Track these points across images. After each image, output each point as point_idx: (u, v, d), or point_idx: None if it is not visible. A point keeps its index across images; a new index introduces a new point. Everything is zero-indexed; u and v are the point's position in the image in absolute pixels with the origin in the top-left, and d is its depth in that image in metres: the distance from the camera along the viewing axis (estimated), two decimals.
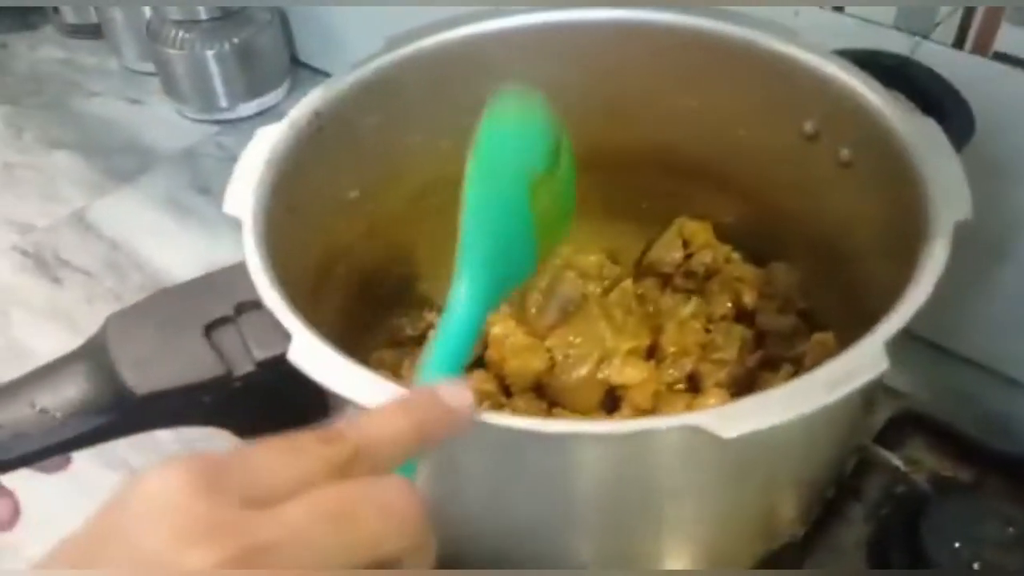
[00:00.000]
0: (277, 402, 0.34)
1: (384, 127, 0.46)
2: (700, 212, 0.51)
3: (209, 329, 0.33)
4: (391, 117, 0.46)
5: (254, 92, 0.80)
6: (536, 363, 0.44)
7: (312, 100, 0.42)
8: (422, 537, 0.24)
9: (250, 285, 0.34)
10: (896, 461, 0.47)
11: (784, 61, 0.43)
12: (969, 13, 0.47)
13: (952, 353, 0.56)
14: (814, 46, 0.43)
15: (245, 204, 0.36)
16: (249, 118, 0.81)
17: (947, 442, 0.50)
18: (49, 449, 0.31)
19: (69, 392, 0.31)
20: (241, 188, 0.37)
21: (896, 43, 0.49)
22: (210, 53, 0.77)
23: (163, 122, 0.81)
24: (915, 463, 0.48)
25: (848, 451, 0.42)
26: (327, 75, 0.82)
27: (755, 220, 0.49)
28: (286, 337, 0.32)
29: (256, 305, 0.34)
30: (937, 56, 0.48)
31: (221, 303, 0.34)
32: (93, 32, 0.89)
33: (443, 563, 0.36)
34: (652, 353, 0.46)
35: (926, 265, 0.32)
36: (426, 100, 0.47)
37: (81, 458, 0.52)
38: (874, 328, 0.31)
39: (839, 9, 0.51)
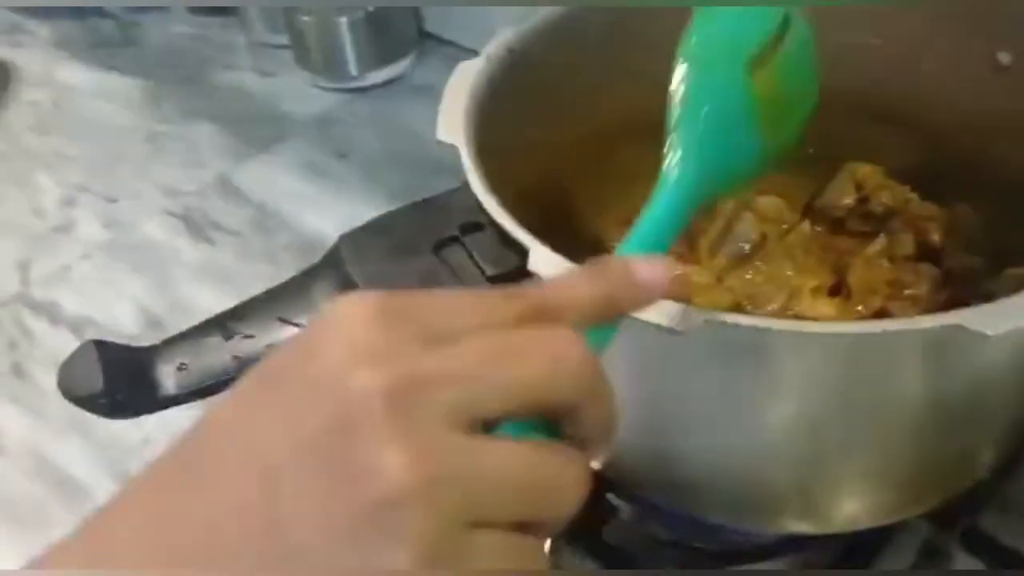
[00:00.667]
0: None
1: (565, 69, 0.46)
2: (873, 156, 0.50)
3: (438, 248, 0.34)
4: (573, 57, 0.46)
5: (384, 61, 0.82)
6: (722, 300, 0.44)
7: (506, 37, 0.42)
8: (598, 386, 0.24)
9: (468, 208, 0.34)
10: None
11: None
12: None
13: None
14: None
15: (457, 132, 0.37)
16: (379, 86, 0.82)
17: None
18: None
19: (311, 303, 0.32)
20: (451, 118, 0.37)
21: None
22: (343, 21, 0.78)
23: (296, 92, 0.82)
24: None
25: None
26: (453, 45, 0.84)
27: (934, 161, 0.49)
28: (512, 255, 0.33)
29: (478, 227, 0.34)
30: None
31: (446, 225, 0.34)
32: (221, 10, 0.91)
33: (664, 481, 0.36)
34: (837, 292, 0.45)
35: None
36: (606, 44, 0.47)
37: None
38: None
39: None
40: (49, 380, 0.58)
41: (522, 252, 0.32)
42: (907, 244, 0.46)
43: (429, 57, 0.84)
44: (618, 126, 0.49)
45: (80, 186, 0.75)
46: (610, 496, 0.44)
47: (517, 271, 0.32)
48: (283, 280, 0.34)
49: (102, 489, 0.54)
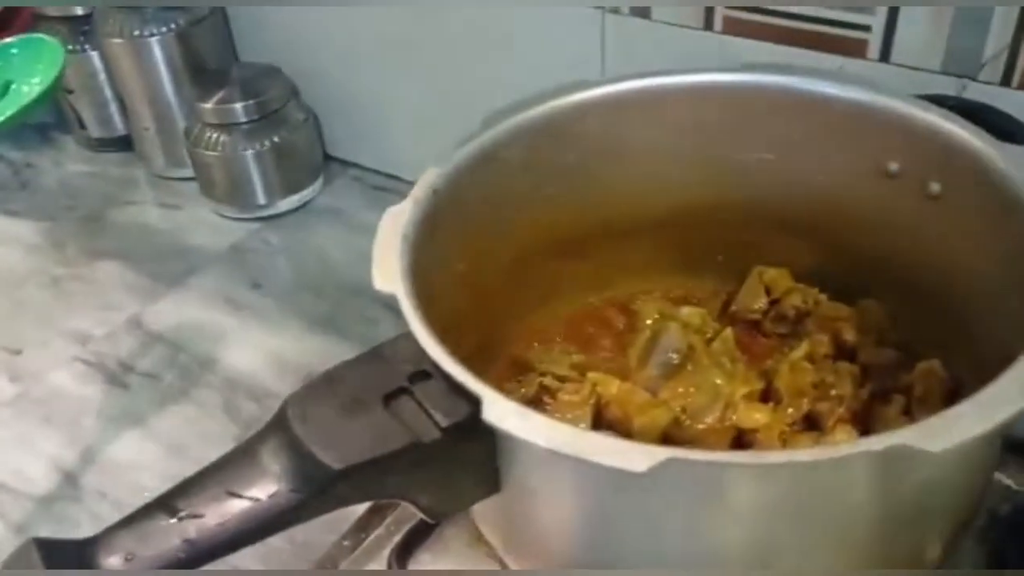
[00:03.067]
0: (450, 473, 0.35)
1: (482, 202, 0.47)
2: (777, 260, 0.53)
3: (387, 401, 0.34)
4: (488, 192, 0.47)
5: (292, 188, 0.82)
6: (662, 417, 0.45)
7: (430, 177, 0.43)
8: None
9: (417, 355, 0.35)
10: (1007, 480, 0.48)
11: (861, 106, 0.46)
12: (1015, 50, 0.50)
13: None
14: (889, 88, 0.46)
15: (395, 279, 0.37)
16: (288, 213, 0.82)
17: None
18: (250, 534, 0.31)
19: (264, 475, 0.32)
20: (385, 265, 0.38)
21: (944, 87, 0.53)
22: (249, 154, 0.79)
23: (203, 223, 0.82)
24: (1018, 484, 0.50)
25: (992, 473, 0.43)
26: (357, 167, 0.85)
27: (836, 262, 0.52)
28: (463, 402, 0.33)
29: (425, 375, 0.35)
30: (986, 96, 0.51)
31: (394, 375, 0.34)
32: (118, 144, 0.90)
33: None
34: (764, 398, 0.47)
35: None
36: (517, 174, 0.48)
37: None
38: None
39: (884, 59, 0.55)
40: None
41: (474, 400, 0.33)
42: (824, 344, 0.49)
43: (335, 179, 0.85)
44: (535, 247, 0.51)
45: None
46: None
47: (471, 419, 0.32)
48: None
49: None
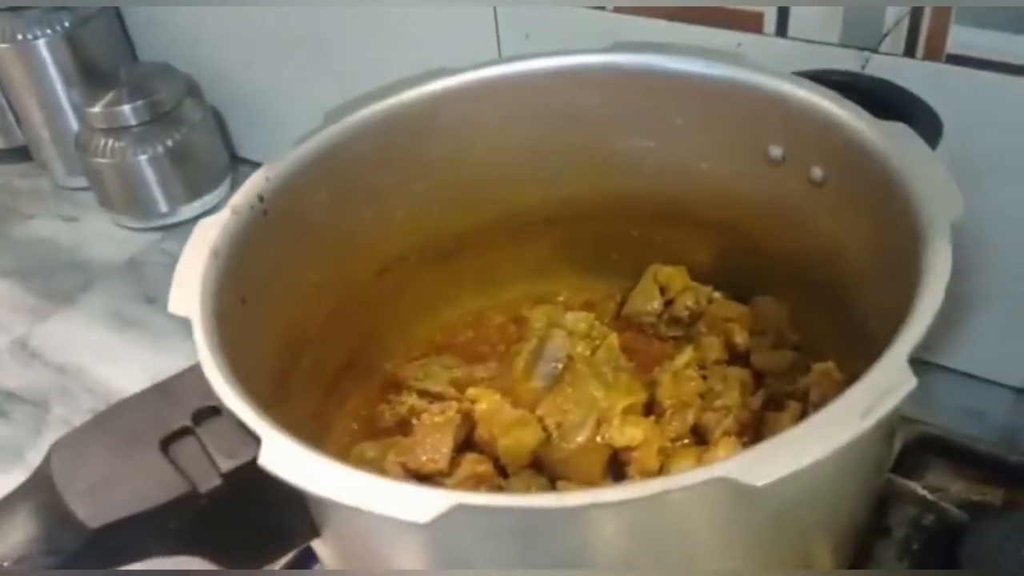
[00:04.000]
0: (252, 519, 0.31)
1: (333, 204, 0.43)
2: (673, 256, 0.49)
3: (166, 444, 0.29)
4: (339, 193, 0.43)
5: (195, 193, 0.78)
6: (530, 437, 0.41)
7: (253, 184, 0.39)
8: None
9: (207, 390, 0.31)
10: (921, 490, 0.44)
11: (737, 86, 0.42)
12: (916, 19, 0.46)
13: (952, 370, 0.54)
14: (766, 68, 0.42)
15: (192, 302, 0.33)
16: (192, 220, 0.77)
17: (968, 464, 0.48)
18: None
19: (13, 535, 0.28)
20: (186, 285, 0.34)
21: (845, 61, 0.48)
22: (143, 159, 0.74)
23: (102, 236, 0.77)
24: (939, 491, 0.46)
25: (876, 486, 0.39)
26: None
27: (731, 256, 0.47)
28: (253, 442, 0.29)
29: (215, 411, 0.30)
30: (889, 68, 0.47)
31: (177, 413, 0.30)
32: (22, 154, 0.86)
33: None
34: (650, 410, 0.43)
35: (932, 270, 0.30)
36: (372, 171, 0.44)
37: None
38: (890, 345, 0.29)
39: (782, 34, 0.50)
40: None
41: (256, 442, 0.28)
42: (715, 348, 0.44)
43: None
44: (405, 251, 0.46)
45: None
46: None
47: (253, 463, 0.28)
48: None
49: None
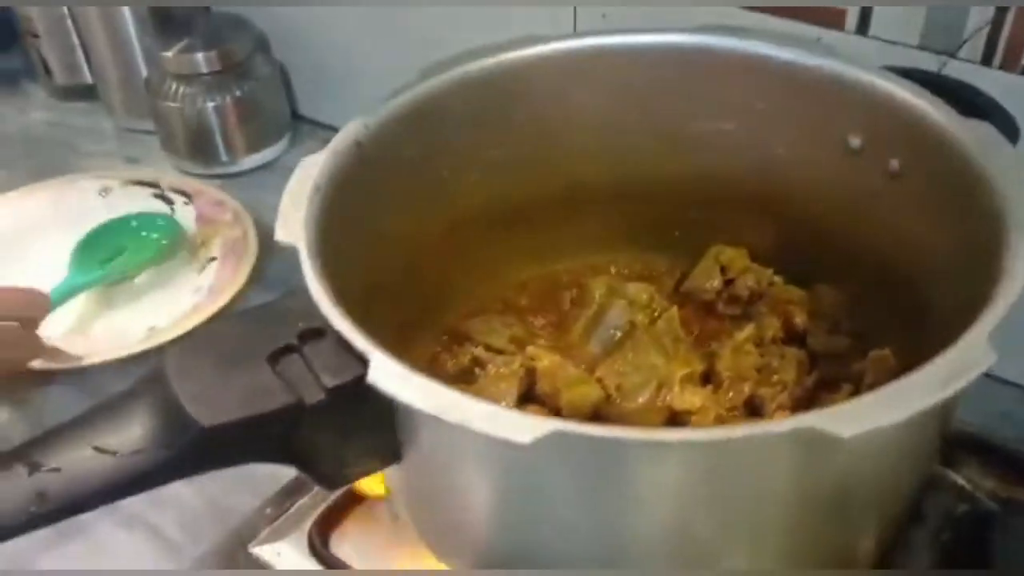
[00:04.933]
0: (343, 438, 0.32)
1: (417, 159, 0.45)
2: (736, 238, 0.50)
3: (273, 358, 0.31)
4: (424, 149, 0.45)
5: (255, 146, 0.79)
6: (593, 393, 0.42)
7: (352, 130, 0.41)
8: None
9: (309, 313, 0.32)
10: (959, 480, 0.45)
11: (824, 75, 0.43)
12: (997, 28, 0.47)
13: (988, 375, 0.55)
14: (854, 59, 0.43)
15: (297, 232, 0.35)
16: (250, 172, 0.79)
17: (999, 463, 0.49)
18: (110, 491, 0.29)
19: (130, 429, 0.29)
20: (291, 217, 0.35)
21: (922, 63, 0.50)
22: (210, 106, 0.76)
23: None
24: (974, 484, 0.47)
25: (928, 472, 0.40)
26: (328, 128, 0.82)
27: (795, 243, 0.49)
28: (356, 364, 0.31)
29: (319, 333, 0.32)
30: (966, 74, 0.48)
31: (283, 332, 0.32)
32: (85, 94, 0.88)
33: None
34: (706, 380, 0.44)
35: (1018, 257, 0.32)
36: (456, 130, 0.46)
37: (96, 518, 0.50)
38: (971, 325, 0.30)
39: (862, 32, 0.52)
40: None
41: (364, 361, 0.30)
42: (774, 327, 0.46)
43: (303, 140, 0.83)
44: (476, 212, 0.48)
45: None
46: None
47: (360, 381, 0.30)
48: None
49: None
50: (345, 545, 0.48)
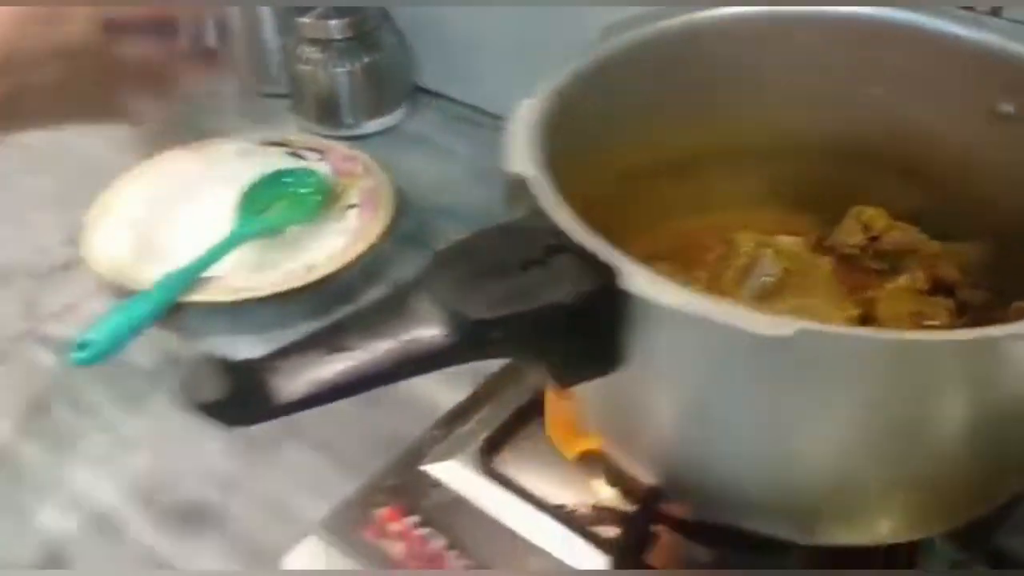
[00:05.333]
0: (581, 342, 0.36)
1: (599, 113, 0.48)
2: (877, 200, 0.54)
3: (524, 267, 0.35)
4: (605, 103, 0.48)
5: (377, 111, 0.84)
6: None
7: (555, 81, 0.45)
8: None
9: (547, 231, 0.36)
10: None
11: (984, 45, 0.47)
12: None
13: None
14: (1007, 27, 0.46)
15: (525, 164, 0.39)
16: (371, 135, 0.84)
17: None
18: (402, 372, 0.33)
19: (416, 320, 0.33)
20: (518, 151, 0.39)
21: None
22: (340, 71, 0.80)
23: None
24: None
25: None
26: (446, 98, 0.87)
27: (935, 205, 0.52)
28: (599, 274, 0.35)
29: (559, 249, 0.36)
30: None
31: (528, 247, 0.36)
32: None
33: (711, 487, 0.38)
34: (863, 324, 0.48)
35: None
36: (637, 87, 0.49)
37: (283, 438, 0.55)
38: None
39: (996, 12, 0.55)
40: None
41: (607, 272, 0.34)
42: (921, 279, 0.50)
43: (422, 109, 0.87)
44: (644, 164, 0.52)
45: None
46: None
47: (605, 290, 0.34)
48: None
49: (133, 521, 0.54)
50: (509, 466, 0.52)
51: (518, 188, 0.39)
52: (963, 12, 0.48)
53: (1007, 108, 0.47)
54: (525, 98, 0.43)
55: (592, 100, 0.48)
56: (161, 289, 0.63)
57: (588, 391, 0.38)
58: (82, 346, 0.60)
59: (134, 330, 0.62)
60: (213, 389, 0.31)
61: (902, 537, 0.43)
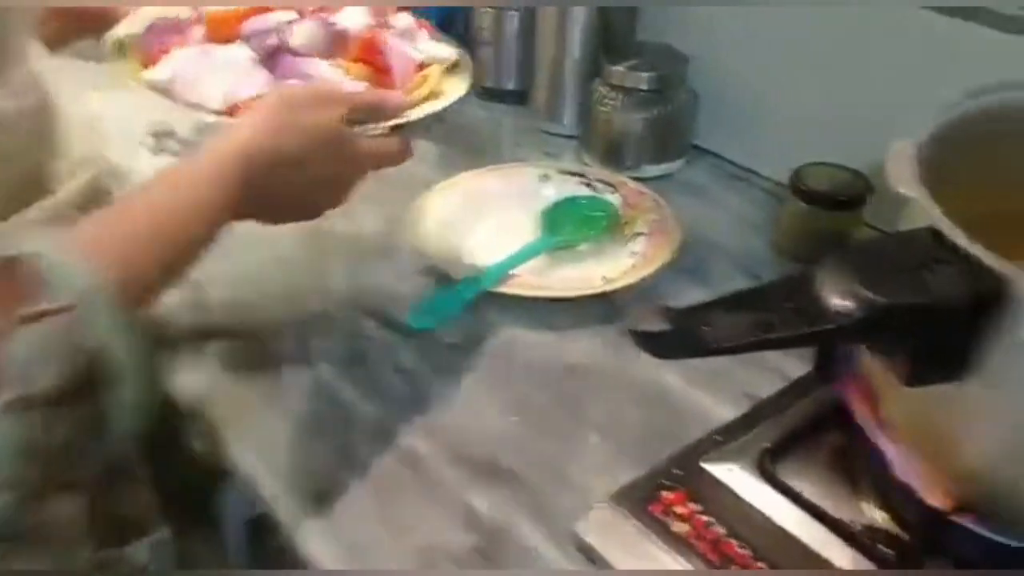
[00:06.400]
0: (950, 347, 0.41)
1: (970, 165, 0.52)
2: None
3: (917, 269, 0.41)
4: (988, 151, 0.52)
5: (658, 159, 0.91)
6: None
7: (935, 127, 0.50)
8: None
9: (929, 246, 0.42)
10: None
11: None
12: None
13: None
14: None
15: (911, 186, 0.45)
16: (647, 179, 0.91)
17: None
18: (794, 340, 0.40)
19: (822, 299, 0.40)
20: (903, 173, 0.45)
21: None
22: (637, 118, 0.89)
23: None
24: None
25: None
26: (718, 157, 0.94)
27: None
28: (991, 281, 0.40)
29: (946, 258, 0.41)
30: None
31: (915, 256, 0.41)
32: (515, 98, 1.03)
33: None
34: None
35: None
36: (996, 148, 0.53)
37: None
38: None
39: None
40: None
41: (991, 281, 0.39)
42: None
43: (697, 163, 0.94)
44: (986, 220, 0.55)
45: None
46: None
47: (994, 293, 0.39)
48: None
49: (439, 467, 0.61)
50: (792, 477, 0.57)
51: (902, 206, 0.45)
52: None
53: None
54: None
55: (963, 149, 0.52)
56: (484, 276, 0.73)
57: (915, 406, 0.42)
58: (418, 314, 0.69)
59: (459, 307, 0.71)
60: (654, 324, 0.38)
61: None
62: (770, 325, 0.39)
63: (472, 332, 0.72)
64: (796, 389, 0.64)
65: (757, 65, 0.87)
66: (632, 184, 0.86)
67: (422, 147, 0.95)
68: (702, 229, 0.84)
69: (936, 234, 0.42)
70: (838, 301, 0.39)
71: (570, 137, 0.97)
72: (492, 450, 0.62)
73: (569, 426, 0.64)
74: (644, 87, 0.88)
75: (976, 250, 0.41)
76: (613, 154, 0.91)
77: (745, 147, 0.92)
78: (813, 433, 0.60)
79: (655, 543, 0.54)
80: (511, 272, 0.75)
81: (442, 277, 0.75)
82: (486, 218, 0.83)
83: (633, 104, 0.89)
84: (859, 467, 0.57)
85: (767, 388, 0.65)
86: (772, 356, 0.68)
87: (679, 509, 0.56)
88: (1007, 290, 0.39)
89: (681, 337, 0.38)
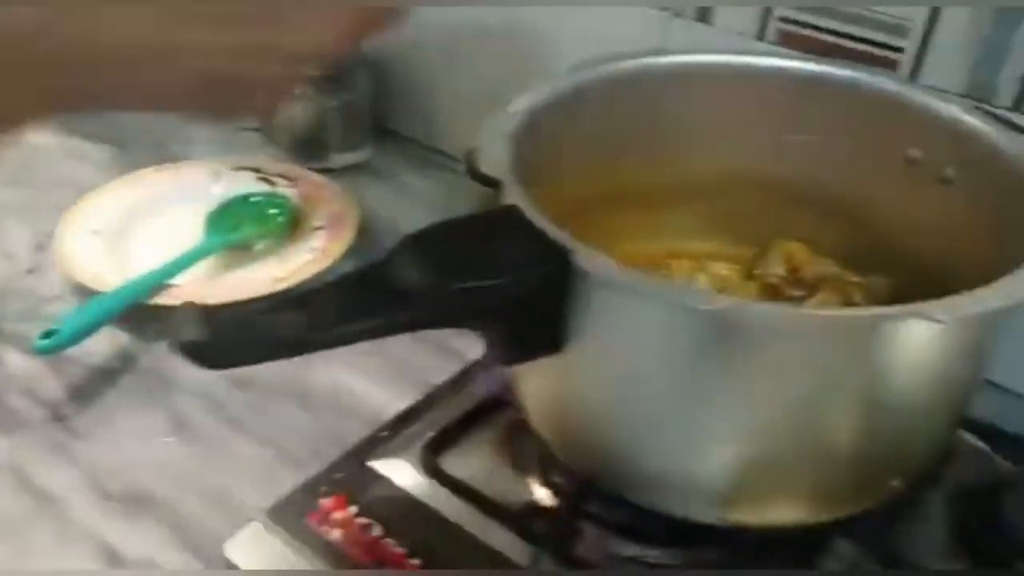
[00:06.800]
0: (524, 323, 0.41)
1: (563, 141, 0.53)
2: (800, 234, 0.60)
3: (492, 248, 0.40)
4: (567, 133, 0.53)
5: (345, 148, 0.89)
6: None
7: (523, 102, 0.50)
8: None
9: (507, 223, 0.41)
10: (977, 441, 0.54)
11: (894, 97, 0.53)
12: None
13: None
14: (915, 83, 0.53)
15: (500, 169, 0.44)
16: (339, 170, 0.88)
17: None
18: (372, 331, 0.37)
19: (398, 280, 0.38)
20: (492, 156, 0.44)
21: None
22: (316, 108, 0.85)
23: None
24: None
25: (971, 389, 0.47)
26: (410, 140, 0.92)
27: (853, 240, 0.58)
28: (558, 255, 0.39)
29: (522, 235, 0.41)
30: None
31: (494, 232, 0.40)
32: None
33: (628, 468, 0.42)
34: None
35: None
36: (596, 120, 0.55)
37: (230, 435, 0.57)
38: None
39: (913, 78, 0.62)
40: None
41: (561, 254, 0.39)
42: (834, 303, 0.55)
43: (388, 148, 0.92)
44: (596, 193, 0.57)
45: None
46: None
47: (558, 272, 0.39)
48: None
49: (79, 506, 0.55)
50: (457, 465, 0.56)
51: (485, 186, 0.44)
52: (876, 68, 0.55)
53: (915, 153, 0.54)
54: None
55: (559, 125, 0.52)
56: (124, 290, 0.67)
57: (534, 384, 0.42)
58: (46, 336, 0.63)
59: (95, 325, 0.64)
60: (194, 332, 0.35)
61: (804, 519, 0.46)
62: (339, 319, 0.36)
63: (125, 350, 0.66)
64: (470, 373, 0.63)
65: (438, 41, 0.85)
66: (316, 177, 0.82)
67: (84, 149, 0.88)
68: (392, 216, 0.81)
69: (516, 211, 0.41)
70: (408, 286, 0.37)
71: (256, 130, 0.92)
72: (139, 477, 0.57)
73: (232, 442, 0.60)
74: (323, 73, 0.84)
75: (544, 225, 0.40)
76: (299, 146, 0.87)
77: (432, 128, 0.91)
78: (484, 416, 0.59)
79: (305, 556, 0.51)
80: (171, 281, 0.69)
81: (90, 293, 0.69)
82: (150, 224, 0.77)
83: (314, 92, 0.85)
84: (524, 445, 0.56)
85: (446, 375, 0.63)
86: (455, 340, 0.66)
87: (337, 515, 0.53)
88: (575, 263, 0.38)
89: (232, 343, 0.35)
